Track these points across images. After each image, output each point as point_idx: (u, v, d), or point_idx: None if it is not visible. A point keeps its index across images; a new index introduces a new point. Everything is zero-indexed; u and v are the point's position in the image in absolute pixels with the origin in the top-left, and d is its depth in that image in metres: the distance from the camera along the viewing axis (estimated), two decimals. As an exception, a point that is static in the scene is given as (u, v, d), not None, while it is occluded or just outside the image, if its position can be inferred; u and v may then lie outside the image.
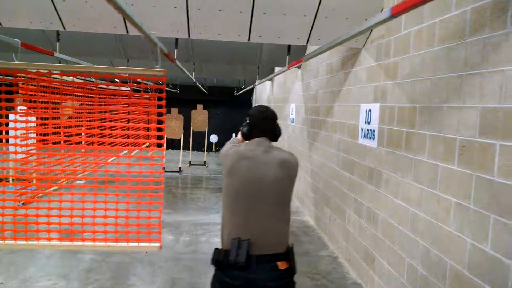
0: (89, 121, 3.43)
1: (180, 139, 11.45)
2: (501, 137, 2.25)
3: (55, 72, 2.89)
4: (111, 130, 3.95)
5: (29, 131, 3.48)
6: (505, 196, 2.20)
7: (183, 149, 11.52)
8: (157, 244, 2.87)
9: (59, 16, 3.99)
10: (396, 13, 1.91)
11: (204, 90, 14.51)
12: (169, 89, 14.57)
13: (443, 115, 2.83)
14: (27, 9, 3.94)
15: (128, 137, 3.49)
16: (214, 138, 14.93)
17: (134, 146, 3.89)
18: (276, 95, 11.08)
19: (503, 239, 2.22)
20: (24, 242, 3.03)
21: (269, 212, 2.15)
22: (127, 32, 4.20)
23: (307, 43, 4.35)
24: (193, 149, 12.40)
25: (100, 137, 3.40)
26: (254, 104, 17.16)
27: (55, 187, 3.61)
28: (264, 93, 14.11)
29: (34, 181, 4.01)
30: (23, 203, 3.47)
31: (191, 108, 12.14)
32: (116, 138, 3.53)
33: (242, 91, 13.89)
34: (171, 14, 3.98)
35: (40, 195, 3.59)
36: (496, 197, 2.27)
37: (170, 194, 8.23)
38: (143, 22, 4.10)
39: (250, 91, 17.47)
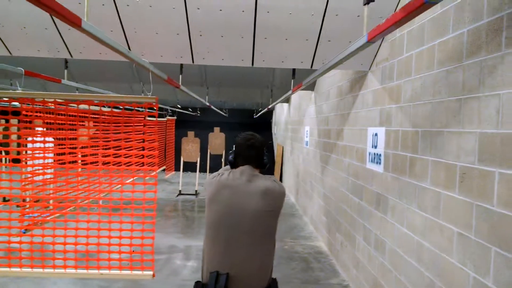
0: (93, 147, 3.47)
1: (196, 162, 11.48)
2: (499, 164, 2.13)
3: (49, 100, 2.94)
4: (116, 156, 3.96)
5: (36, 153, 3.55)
6: (505, 227, 2.06)
7: (199, 171, 11.53)
8: (150, 273, 2.81)
9: (65, 45, 4.09)
10: (372, 38, 1.85)
11: (223, 113, 14.60)
12: (188, 112, 14.72)
13: (443, 140, 2.71)
14: (34, 38, 4.06)
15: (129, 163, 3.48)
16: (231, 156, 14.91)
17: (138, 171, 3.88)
18: (292, 117, 11.03)
19: (504, 274, 2.06)
20: (29, 270, 3.04)
21: (250, 245, 2.07)
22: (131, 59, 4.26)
23: (311, 67, 4.31)
24: (210, 172, 12.41)
25: (106, 163, 3.42)
26: (274, 126, 17.15)
27: (58, 214, 3.65)
28: (282, 115, 14.10)
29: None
30: (25, 230, 3.50)
31: (211, 129, 12.20)
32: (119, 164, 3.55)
33: (259, 114, 13.91)
34: (174, 41, 4.02)
35: (39, 223, 3.62)
36: (496, 228, 2.13)
37: (184, 218, 8.19)
38: (146, 48, 4.17)
39: (270, 113, 17.50)
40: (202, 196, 10.74)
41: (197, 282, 2.11)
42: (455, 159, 2.55)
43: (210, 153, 11.99)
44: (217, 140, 12.00)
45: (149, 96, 2.87)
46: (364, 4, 1.87)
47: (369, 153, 4.26)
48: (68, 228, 2.97)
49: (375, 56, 4.16)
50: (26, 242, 3.36)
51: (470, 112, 2.42)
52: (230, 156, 2.33)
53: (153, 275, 2.80)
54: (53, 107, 3.31)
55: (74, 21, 1.62)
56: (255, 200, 2.10)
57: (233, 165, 2.31)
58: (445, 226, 2.66)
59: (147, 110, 3.31)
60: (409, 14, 1.44)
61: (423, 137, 3.03)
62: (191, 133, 11.22)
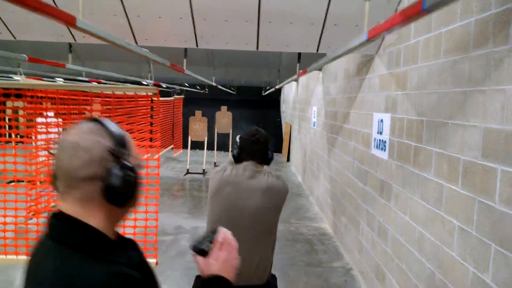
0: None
1: (204, 141, 11.51)
2: (502, 161, 2.09)
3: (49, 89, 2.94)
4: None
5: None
6: (506, 226, 2.04)
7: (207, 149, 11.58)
8: (153, 260, 2.86)
9: (69, 29, 4.06)
10: (371, 36, 1.80)
11: (231, 91, 14.52)
12: (197, 90, 14.67)
13: (448, 132, 2.67)
14: (37, 23, 4.02)
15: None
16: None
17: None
18: (300, 96, 10.94)
19: (503, 272, 2.06)
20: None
21: (250, 242, 2.09)
22: (136, 43, 4.22)
23: (317, 51, 4.23)
24: (218, 149, 12.45)
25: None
26: (282, 104, 17.04)
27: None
28: (290, 94, 13.99)
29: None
30: (33, 214, 3.57)
31: (219, 108, 12.17)
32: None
33: (267, 92, 13.81)
34: (178, 25, 3.97)
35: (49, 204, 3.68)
36: (497, 226, 2.11)
37: (191, 198, 8.27)
38: (149, 32, 4.12)
39: (278, 91, 17.38)
40: (209, 175, 10.82)
41: (197, 276, 2.14)
42: (459, 152, 2.52)
43: (217, 132, 12.01)
44: (224, 119, 11.98)
45: (151, 86, 2.85)
46: (365, 0, 1.82)
47: (375, 139, 4.22)
48: None
49: (382, 40, 4.07)
50: (33, 223, 3.42)
51: (475, 105, 2.37)
52: (235, 151, 2.33)
53: (156, 263, 2.85)
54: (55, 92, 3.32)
55: (69, 21, 1.59)
56: (256, 196, 2.11)
57: (237, 159, 2.31)
58: (447, 219, 2.65)
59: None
60: (407, 19, 1.39)
61: (427, 126, 2.99)
62: (198, 112, 11.21)
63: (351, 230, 5.07)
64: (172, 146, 12.67)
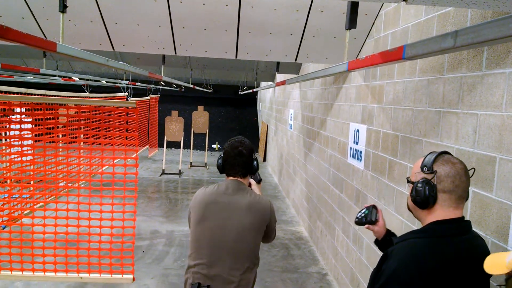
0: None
1: (180, 141, 11.43)
2: (473, 183, 2.17)
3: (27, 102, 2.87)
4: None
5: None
6: (476, 245, 2.12)
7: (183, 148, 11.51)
8: (130, 276, 2.84)
9: (43, 34, 3.96)
10: (351, 69, 1.85)
11: (208, 90, 14.46)
12: (173, 88, 14.54)
13: (422, 149, 2.75)
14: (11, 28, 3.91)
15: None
16: (215, 146, 15.07)
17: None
18: (277, 98, 11.00)
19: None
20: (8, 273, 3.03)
21: (231, 262, 2.11)
22: (113, 48, 4.16)
23: (295, 60, 4.27)
24: (194, 148, 12.38)
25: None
26: (259, 103, 17.08)
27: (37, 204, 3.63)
28: (267, 94, 14.04)
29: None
30: (4, 226, 3.48)
31: (196, 106, 12.10)
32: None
33: (244, 92, 13.81)
34: (156, 32, 3.93)
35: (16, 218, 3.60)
36: (468, 245, 2.20)
37: (166, 200, 8.21)
38: (127, 39, 4.07)
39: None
40: (185, 176, 10.77)
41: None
42: (433, 170, 2.59)
43: (193, 132, 11.95)
44: (200, 118, 11.92)
45: (130, 100, 2.82)
46: (346, 29, 1.85)
47: (351, 148, 4.30)
48: (48, 217, 2.97)
49: (359, 52, 4.14)
50: (4, 238, 3.34)
51: (448, 126, 2.45)
52: (219, 161, 2.35)
53: (133, 279, 2.83)
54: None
55: (49, 48, 1.57)
56: (239, 216, 2.13)
57: (221, 171, 2.33)
58: (420, 233, 2.73)
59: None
60: (385, 62, 1.44)
61: (402, 142, 3.07)
62: (174, 112, 11.12)
63: (326, 236, 5.16)
64: (147, 146, 12.53)
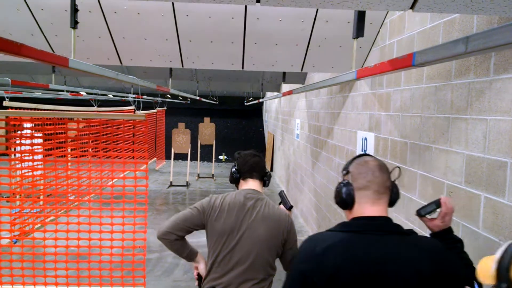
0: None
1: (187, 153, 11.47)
2: (485, 188, 2.17)
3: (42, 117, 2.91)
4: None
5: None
6: (489, 251, 2.11)
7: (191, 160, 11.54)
8: (142, 288, 2.84)
9: (52, 49, 4.03)
10: (360, 77, 1.86)
11: (214, 101, 14.54)
12: (179, 101, 14.63)
13: (431, 156, 2.75)
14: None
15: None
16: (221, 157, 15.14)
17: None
18: (283, 108, 11.03)
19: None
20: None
21: (244, 273, 2.11)
22: (121, 63, 4.21)
23: (301, 70, 4.30)
24: (201, 159, 12.41)
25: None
26: (264, 113, 17.12)
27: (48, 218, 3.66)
28: (273, 104, 14.08)
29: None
30: (16, 241, 3.50)
31: (203, 117, 12.17)
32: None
33: (249, 103, 13.87)
34: (163, 46, 3.98)
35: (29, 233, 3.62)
36: (481, 251, 2.18)
37: (175, 212, 8.18)
38: (134, 53, 4.12)
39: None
40: (193, 187, 10.78)
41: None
42: (443, 176, 2.59)
43: (200, 144, 11.99)
44: (207, 130, 11.97)
45: (139, 113, 2.85)
46: (354, 38, 1.87)
47: (359, 156, 4.29)
48: (59, 230, 3.00)
49: (365, 60, 4.16)
50: (16, 253, 3.36)
51: (458, 132, 2.45)
52: (233, 169, 2.37)
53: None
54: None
55: (61, 63, 1.60)
56: (253, 226, 2.13)
57: (236, 178, 2.36)
58: (432, 241, 2.71)
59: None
60: (395, 69, 1.45)
61: (411, 149, 3.07)
62: (181, 124, 11.18)
63: (336, 245, 5.12)
64: (155, 158, 12.59)
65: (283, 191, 2.57)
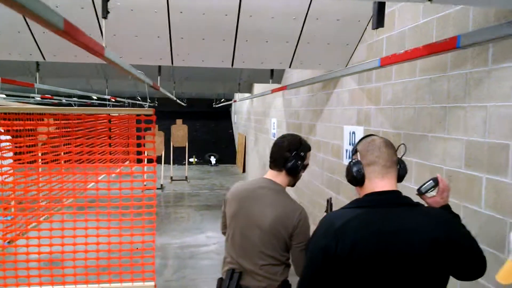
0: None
1: (161, 155, 11.35)
2: (486, 170, 2.33)
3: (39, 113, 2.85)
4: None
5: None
6: (492, 227, 2.27)
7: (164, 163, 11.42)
8: (151, 283, 2.84)
9: (39, 48, 3.93)
10: (384, 64, 1.96)
11: (183, 103, 14.45)
12: (147, 103, 14.41)
13: (428, 144, 2.90)
14: (6, 42, 3.86)
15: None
16: (213, 159, 15.12)
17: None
18: (256, 108, 11.12)
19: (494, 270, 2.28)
20: None
21: (255, 258, 2.19)
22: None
23: (289, 67, 4.40)
24: (174, 163, 12.31)
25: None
26: (234, 115, 17.17)
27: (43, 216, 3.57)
28: (243, 105, 14.15)
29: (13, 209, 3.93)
30: (8, 242, 3.39)
31: (170, 120, 12.06)
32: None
33: (220, 105, 13.88)
34: (154, 43, 3.97)
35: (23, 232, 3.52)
36: (484, 228, 2.34)
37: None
38: (125, 51, 4.08)
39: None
40: (167, 190, 10.68)
41: (219, 278, 2.32)
42: (441, 162, 2.75)
43: (173, 146, 11.89)
44: (179, 132, 11.90)
45: (146, 108, 2.85)
46: (373, 29, 1.98)
47: (346, 150, 4.44)
48: (66, 228, 2.95)
49: (351, 56, 4.31)
50: (10, 253, 3.26)
51: (456, 120, 2.60)
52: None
53: (155, 286, 2.83)
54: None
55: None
56: (264, 213, 2.20)
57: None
58: (431, 224, 2.86)
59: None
60: (432, 53, 1.55)
61: (405, 139, 3.21)
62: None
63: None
64: (128, 161, 12.34)
65: (331, 198, 2.41)
